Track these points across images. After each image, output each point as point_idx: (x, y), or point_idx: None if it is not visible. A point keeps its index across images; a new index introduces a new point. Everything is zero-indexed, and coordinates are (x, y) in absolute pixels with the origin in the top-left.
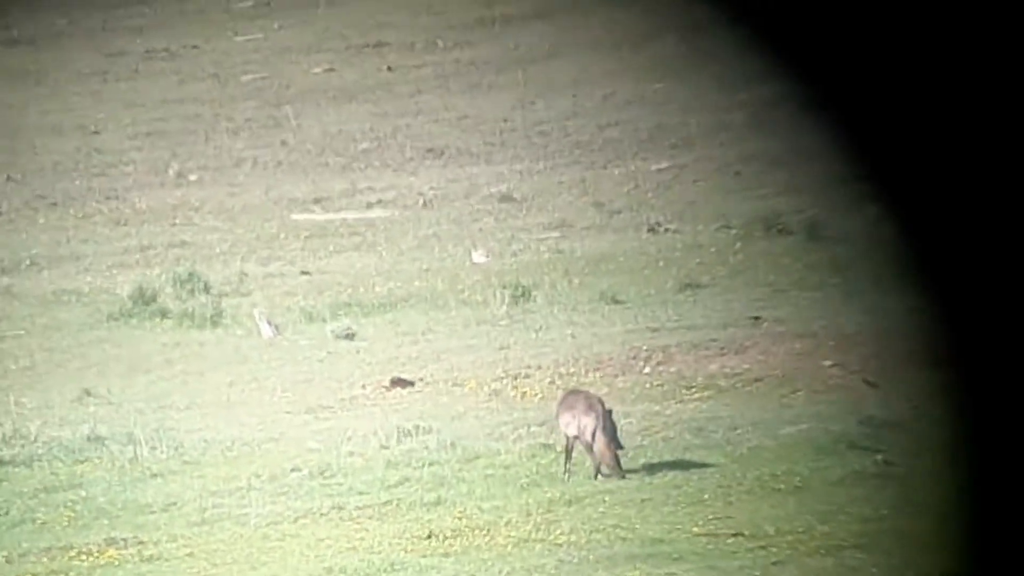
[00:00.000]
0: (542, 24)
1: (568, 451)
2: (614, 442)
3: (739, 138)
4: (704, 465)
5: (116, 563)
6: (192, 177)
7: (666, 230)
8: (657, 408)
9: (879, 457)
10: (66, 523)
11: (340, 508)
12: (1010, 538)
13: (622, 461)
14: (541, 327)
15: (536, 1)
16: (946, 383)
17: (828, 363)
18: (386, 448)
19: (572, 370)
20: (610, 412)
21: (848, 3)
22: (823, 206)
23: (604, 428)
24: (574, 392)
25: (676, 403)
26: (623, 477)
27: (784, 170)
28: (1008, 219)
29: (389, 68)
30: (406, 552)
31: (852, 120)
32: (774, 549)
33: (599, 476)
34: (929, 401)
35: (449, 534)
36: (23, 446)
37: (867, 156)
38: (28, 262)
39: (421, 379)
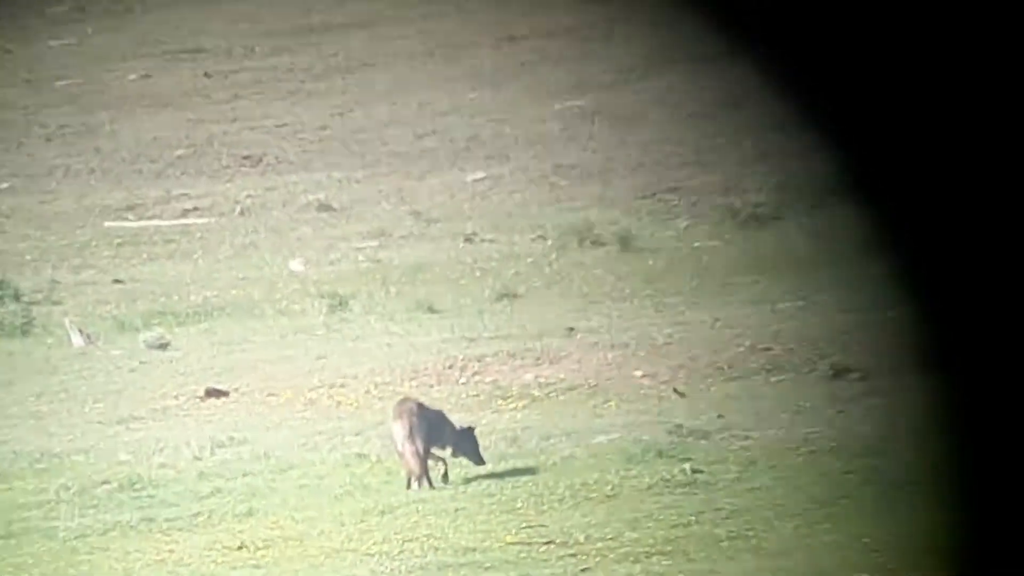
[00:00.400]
0: (360, 32)
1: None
2: (472, 456)
3: (553, 150)
4: (518, 474)
5: None
6: (3, 185)
7: (482, 240)
8: (472, 418)
9: (687, 466)
10: None
11: (150, 520)
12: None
13: (448, 472)
14: (358, 336)
15: (354, 10)
16: (752, 392)
17: (639, 373)
18: (199, 459)
19: (388, 380)
20: (471, 428)
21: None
22: (634, 218)
23: (412, 436)
24: (401, 400)
25: (491, 412)
26: (432, 487)
27: (597, 182)
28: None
29: (206, 74)
30: (216, 564)
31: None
32: (584, 556)
33: (411, 486)
34: (735, 411)
35: (261, 545)
36: None
37: (678, 169)
38: None
39: (236, 389)
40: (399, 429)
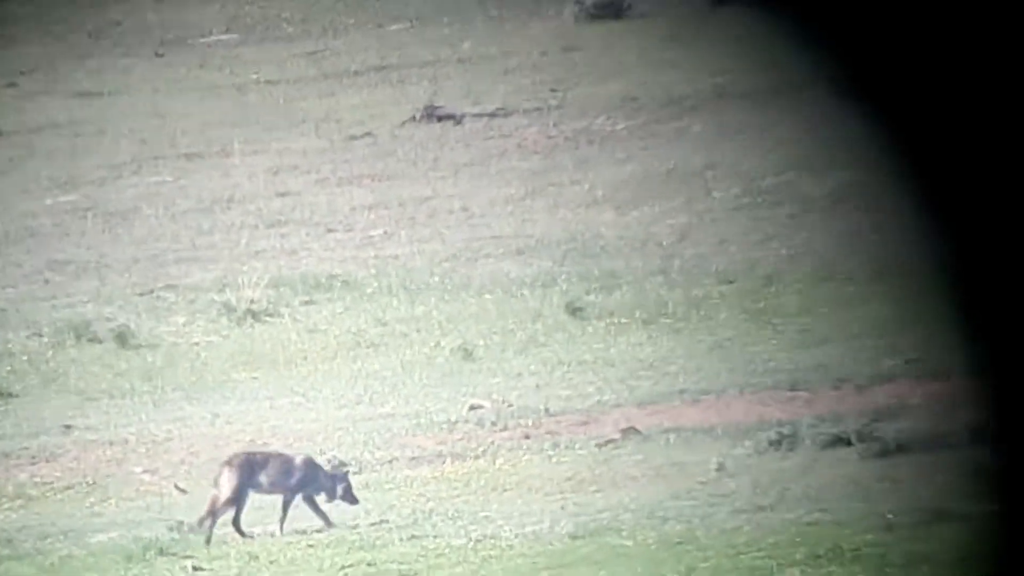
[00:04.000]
0: None
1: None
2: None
3: (47, 245)
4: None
5: None
6: None
7: None
8: None
9: (188, 563)
10: None
11: None
12: None
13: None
14: None
15: None
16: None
17: (139, 469)
18: None
19: None
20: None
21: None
22: (132, 314)
23: (231, 482)
24: (236, 454)
25: None
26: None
27: (93, 277)
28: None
29: None
30: None
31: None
32: None
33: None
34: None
35: None
36: None
37: (174, 265)
38: None
39: None
40: (225, 475)
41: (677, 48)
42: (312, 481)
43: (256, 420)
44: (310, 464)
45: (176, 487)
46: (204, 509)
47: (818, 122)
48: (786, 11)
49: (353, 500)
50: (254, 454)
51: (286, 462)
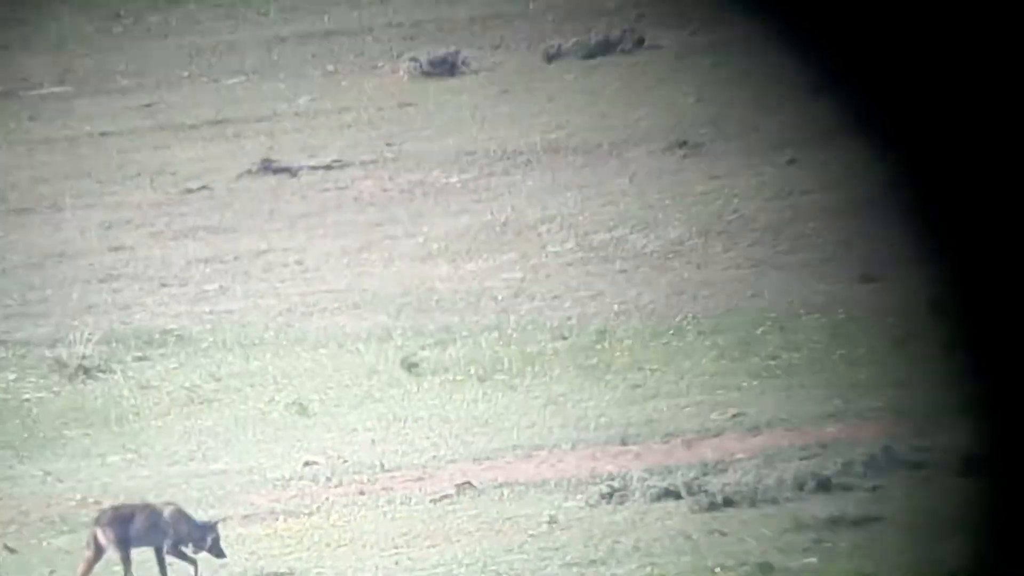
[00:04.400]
0: None
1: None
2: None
3: None
4: None
5: None
6: None
7: None
8: None
9: None
10: None
11: None
12: None
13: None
14: None
15: None
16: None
17: None
18: None
19: None
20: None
21: None
22: None
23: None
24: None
25: None
26: None
27: None
28: None
29: None
30: None
31: None
32: None
33: None
34: (66, 567)
35: None
36: None
37: (4, 320)
38: None
39: None
40: (101, 536)
41: (510, 103)
42: (182, 532)
43: (87, 477)
44: (179, 514)
45: (6, 547)
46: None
47: (650, 177)
48: (617, 68)
49: (220, 553)
50: (120, 508)
51: (153, 514)
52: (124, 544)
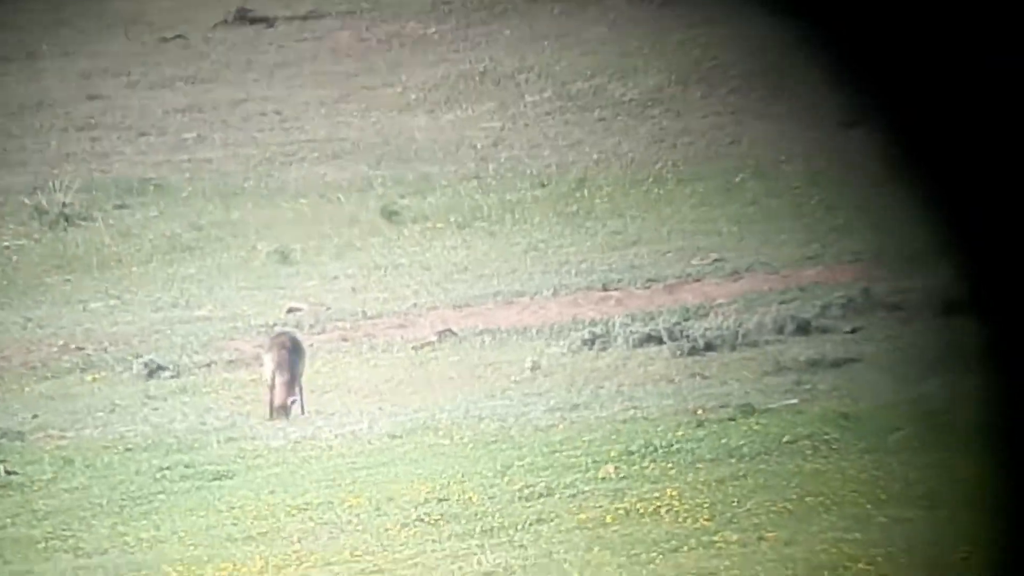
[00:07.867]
0: None
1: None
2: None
3: None
4: None
5: None
6: None
7: None
8: None
9: (2, 467)
10: None
11: None
12: None
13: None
14: None
15: None
16: (67, 392)
17: None
18: None
19: None
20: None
21: None
22: None
23: (282, 369)
24: (278, 334)
25: None
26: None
27: None
28: None
29: None
30: None
31: None
32: None
33: (273, 417)
34: (49, 411)
35: None
36: None
37: None
38: None
39: None
40: (269, 361)
41: None
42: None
43: (69, 323)
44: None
45: None
46: (276, 398)
47: (628, 25)
48: None
49: None
50: (282, 334)
51: (295, 339)
52: (293, 365)
